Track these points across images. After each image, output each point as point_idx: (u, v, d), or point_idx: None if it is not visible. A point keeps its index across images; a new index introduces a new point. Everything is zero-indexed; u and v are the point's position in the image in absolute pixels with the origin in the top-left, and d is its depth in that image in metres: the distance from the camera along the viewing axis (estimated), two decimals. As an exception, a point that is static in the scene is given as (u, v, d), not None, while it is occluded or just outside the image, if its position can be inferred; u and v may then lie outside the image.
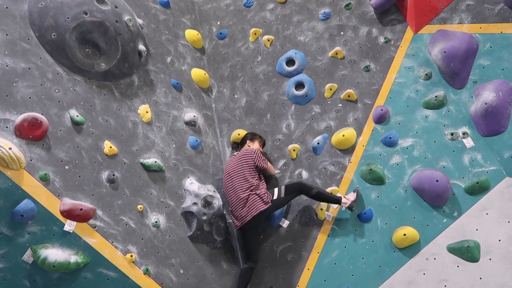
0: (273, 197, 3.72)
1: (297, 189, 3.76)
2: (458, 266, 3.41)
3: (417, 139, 3.71)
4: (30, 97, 2.84)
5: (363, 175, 3.82)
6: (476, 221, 3.40)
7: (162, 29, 4.07)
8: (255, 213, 3.65)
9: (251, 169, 3.79)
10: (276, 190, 3.78)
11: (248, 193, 3.70)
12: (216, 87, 4.52)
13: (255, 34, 4.45)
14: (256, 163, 3.81)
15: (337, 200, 3.67)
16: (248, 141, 4.05)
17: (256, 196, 3.69)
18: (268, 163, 3.95)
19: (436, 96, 3.68)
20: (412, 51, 3.85)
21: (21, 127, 2.73)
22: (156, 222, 3.41)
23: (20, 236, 2.65)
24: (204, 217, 3.69)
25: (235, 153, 4.04)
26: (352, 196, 3.68)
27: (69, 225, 2.85)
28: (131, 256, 3.15)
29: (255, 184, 3.75)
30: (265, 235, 4.07)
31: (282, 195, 3.74)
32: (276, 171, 4.15)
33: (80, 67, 3.16)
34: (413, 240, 3.54)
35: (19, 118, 2.73)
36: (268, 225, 4.07)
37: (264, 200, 3.67)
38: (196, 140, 4.05)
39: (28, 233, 2.69)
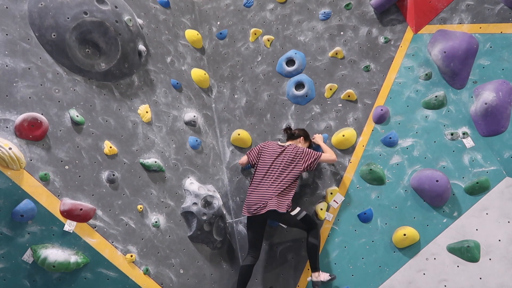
0: (291, 210, 3.62)
1: (309, 226, 3.64)
2: (458, 266, 3.41)
3: (417, 139, 3.71)
4: (30, 97, 2.84)
5: (363, 175, 3.82)
6: (476, 221, 3.40)
7: (162, 29, 4.07)
8: (270, 209, 3.51)
9: (298, 171, 3.65)
10: (298, 209, 3.67)
11: (277, 192, 3.56)
12: (216, 87, 4.52)
13: (255, 34, 4.45)
14: (306, 167, 3.66)
15: (315, 268, 3.55)
16: (301, 138, 3.88)
17: (280, 198, 3.58)
18: (323, 155, 3.70)
19: (436, 96, 3.68)
20: (412, 51, 3.85)
21: (21, 127, 2.73)
22: (156, 222, 3.41)
23: (20, 236, 2.65)
24: (204, 217, 3.69)
25: (286, 144, 3.83)
26: (324, 276, 3.54)
27: (69, 225, 2.85)
28: (131, 256, 3.15)
29: (289, 185, 3.63)
30: (265, 235, 4.06)
31: (298, 218, 3.62)
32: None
33: (80, 67, 3.16)
34: (413, 240, 3.54)
35: (19, 118, 2.73)
36: (268, 225, 4.07)
37: (284, 206, 3.56)
38: (196, 140, 4.05)
39: (28, 233, 2.69)
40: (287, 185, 3.61)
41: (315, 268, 3.56)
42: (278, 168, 3.67)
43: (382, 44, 3.97)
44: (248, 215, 3.65)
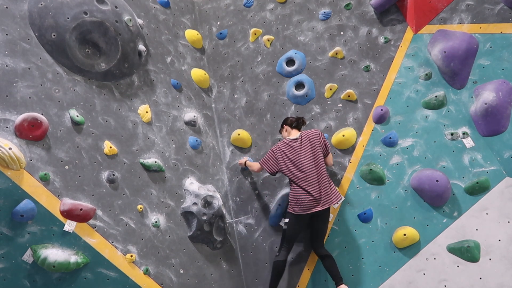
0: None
1: (323, 239, 3.70)
2: (458, 266, 3.41)
3: (417, 139, 3.71)
4: (30, 97, 2.84)
5: (363, 175, 3.82)
6: (476, 221, 3.40)
7: (162, 29, 4.07)
8: (337, 199, 3.55)
9: (322, 153, 3.63)
10: None
11: (328, 181, 3.58)
12: (216, 87, 4.52)
13: (255, 34, 4.45)
14: (324, 146, 3.67)
15: (341, 279, 3.52)
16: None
17: (334, 186, 3.62)
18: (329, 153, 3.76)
19: (436, 96, 3.68)
20: (412, 51, 3.85)
21: (21, 127, 2.73)
22: (156, 222, 3.41)
23: (20, 236, 2.65)
24: (204, 217, 3.69)
25: (296, 135, 3.71)
26: None
27: (69, 225, 2.85)
28: (131, 256, 3.15)
29: (326, 169, 3.64)
30: (265, 235, 4.07)
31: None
32: (276, 171, 4.14)
33: (80, 67, 3.17)
34: (413, 240, 3.54)
35: (19, 118, 2.73)
36: (269, 224, 4.07)
37: (339, 194, 3.61)
38: (196, 140, 4.05)
39: (28, 233, 2.69)
40: (325, 169, 3.60)
41: (341, 279, 3.52)
42: (310, 159, 3.58)
43: (382, 44, 3.97)
44: (311, 212, 3.51)
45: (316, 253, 3.69)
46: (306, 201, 3.50)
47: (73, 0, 3.07)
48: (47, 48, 3.01)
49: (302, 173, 3.56)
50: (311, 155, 3.59)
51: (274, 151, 3.73)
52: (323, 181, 3.54)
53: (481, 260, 3.34)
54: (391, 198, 3.71)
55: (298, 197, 3.55)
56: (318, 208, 3.50)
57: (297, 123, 3.81)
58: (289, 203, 3.63)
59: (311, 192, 3.49)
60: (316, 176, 3.53)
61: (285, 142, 3.70)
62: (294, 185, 3.61)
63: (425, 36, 3.81)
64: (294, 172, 3.59)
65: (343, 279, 3.54)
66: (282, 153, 3.67)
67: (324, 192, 3.52)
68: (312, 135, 3.66)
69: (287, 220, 3.71)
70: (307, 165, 3.57)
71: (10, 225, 2.62)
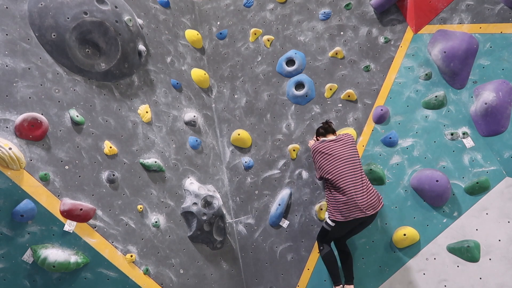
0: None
1: (341, 241, 3.58)
2: (458, 266, 3.41)
3: (417, 139, 3.71)
4: (30, 97, 2.84)
5: (363, 175, 3.82)
6: (476, 221, 3.41)
7: (162, 29, 4.07)
8: (381, 205, 3.33)
9: (358, 156, 3.47)
10: None
11: (370, 185, 3.34)
12: (216, 87, 4.52)
13: (255, 34, 4.45)
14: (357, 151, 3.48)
15: (353, 279, 3.52)
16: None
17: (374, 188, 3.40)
18: None
19: (436, 96, 3.68)
20: (412, 51, 3.85)
21: (21, 127, 2.73)
22: (156, 222, 3.41)
23: (20, 236, 2.66)
24: (204, 217, 3.69)
25: (329, 138, 3.55)
26: None
27: (69, 225, 2.85)
28: (131, 256, 3.15)
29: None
30: (265, 235, 4.07)
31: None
32: (276, 171, 4.15)
33: (80, 67, 3.17)
34: (413, 240, 3.54)
35: (19, 118, 2.73)
36: (269, 224, 4.07)
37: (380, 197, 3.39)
38: (196, 140, 4.05)
39: (28, 233, 2.69)
40: (364, 174, 3.41)
41: (352, 279, 3.50)
42: (356, 159, 3.41)
43: (382, 44, 3.97)
44: (365, 216, 3.24)
45: (337, 246, 3.59)
46: (358, 206, 3.23)
47: (73, 0, 3.07)
48: (47, 48, 3.01)
49: (349, 177, 3.31)
50: (353, 159, 3.39)
51: (315, 155, 3.51)
52: (367, 185, 3.33)
53: (481, 260, 3.34)
54: (391, 198, 3.71)
55: (345, 201, 3.27)
56: (370, 212, 3.24)
57: (324, 130, 3.64)
58: (333, 209, 3.36)
59: (360, 196, 3.25)
60: (360, 180, 3.31)
61: (323, 143, 3.50)
62: (338, 188, 3.33)
63: (425, 36, 3.81)
64: (340, 176, 3.33)
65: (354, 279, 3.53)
66: (323, 155, 3.45)
67: (371, 196, 3.28)
68: (349, 140, 3.49)
69: (331, 223, 3.42)
70: (352, 169, 3.34)
71: (10, 225, 2.62)
